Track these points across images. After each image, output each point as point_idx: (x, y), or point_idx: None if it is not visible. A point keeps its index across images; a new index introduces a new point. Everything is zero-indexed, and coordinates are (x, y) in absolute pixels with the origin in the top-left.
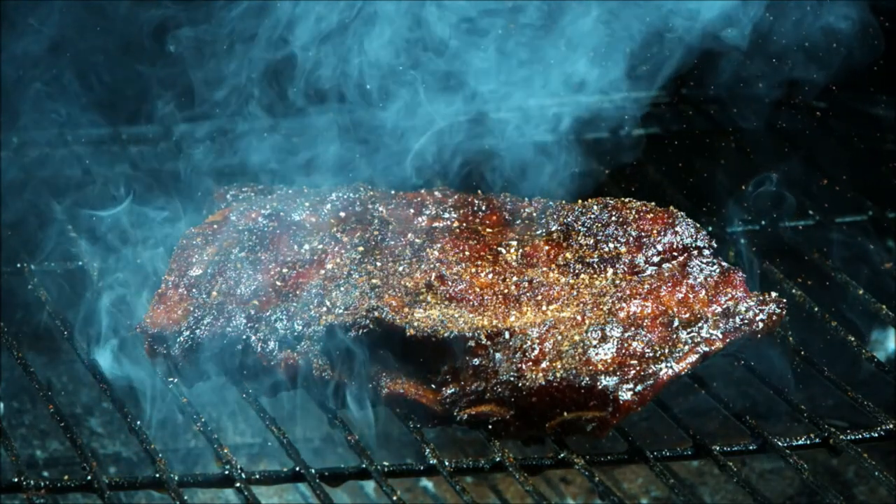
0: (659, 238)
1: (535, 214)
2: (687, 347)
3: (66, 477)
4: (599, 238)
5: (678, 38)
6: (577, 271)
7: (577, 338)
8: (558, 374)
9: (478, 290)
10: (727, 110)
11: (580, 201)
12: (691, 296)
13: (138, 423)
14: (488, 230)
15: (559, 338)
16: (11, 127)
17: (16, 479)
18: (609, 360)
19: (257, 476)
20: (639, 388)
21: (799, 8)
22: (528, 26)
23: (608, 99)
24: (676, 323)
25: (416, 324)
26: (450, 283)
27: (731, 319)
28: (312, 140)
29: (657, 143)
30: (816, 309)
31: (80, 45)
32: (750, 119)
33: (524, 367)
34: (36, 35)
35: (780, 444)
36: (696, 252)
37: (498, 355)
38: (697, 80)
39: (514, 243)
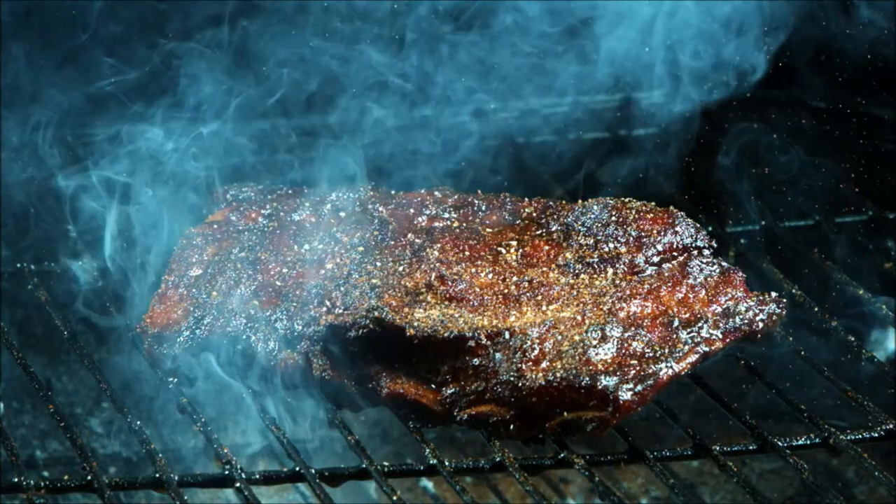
0: (659, 238)
1: (535, 214)
2: (687, 347)
3: (66, 477)
4: (599, 238)
5: (673, 39)
6: (577, 271)
7: (577, 338)
8: (558, 374)
9: (478, 290)
10: (727, 110)
11: (580, 201)
12: (691, 296)
13: (138, 423)
14: (488, 230)
15: (559, 338)
16: (11, 126)
17: (16, 479)
18: (609, 360)
19: (257, 476)
20: (639, 388)
21: (799, 8)
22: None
23: (606, 99)
24: (676, 323)
25: (416, 324)
26: (450, 283)
27: (731, 319)
28: None
29: (656, 143)
30: (816, 309)
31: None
32: (749, 119)
33: (524, 367)
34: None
35: (780, 444)
36: (696, 252)
37: (498, 355)
38: (696, 80)
39: (514, 243)
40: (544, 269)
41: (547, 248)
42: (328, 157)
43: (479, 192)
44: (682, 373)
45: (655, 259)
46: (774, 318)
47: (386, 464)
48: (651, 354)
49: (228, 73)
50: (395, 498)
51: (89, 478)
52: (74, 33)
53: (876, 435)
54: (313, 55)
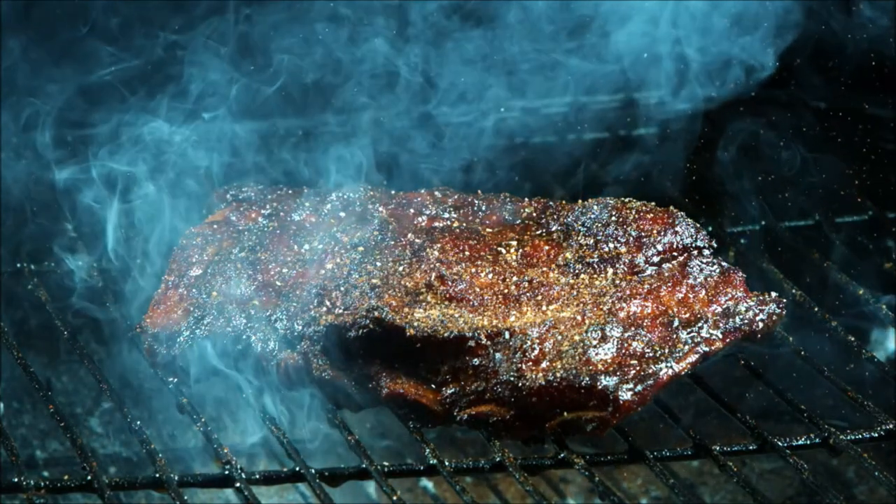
0: (659, 238)
1: (535, 214)
2: (687, 347)
3: (66, 477)
4: (599, 238)
5: (675, 38)
6: (577, 271)
7: (577, 338)
8: (558, 374)
9: (478, 290)
10: (727, 110)
11: (580, 201)
12: (691, 296)
13: (138, 423)
14: (488, 230)
15: (559, 338)
16: (11, 126)
17: (16, 479)
18: (609, 360)
19: (257, 476)
20: (639, 388)
21: (799, 7)
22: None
23: (605, 99)
24: (676, 323)
25: (416, 324)
26: (450, 283)
27: (731, 319)
28: None
29: (657, 143)
30: (816, 309)
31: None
32: (750, 119)
33: (524, 367)
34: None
35: (780, 444)
36: (696, 252)
37: (498, 355)
38: (698, 80)
39: (514, 243)
40: (544, 269)
41: (547, 248)
42: (329, 154)
43: (479, 192)
44: (682, 373)
45: (655, 259)
46: (774, 318)
47: (386, 464)
48: (651, 354)
49: (231, 66)
50: (395, 498)
51: (89, 478)
52: (74, 27)
53: (876, 435)
54: (314, 50)
